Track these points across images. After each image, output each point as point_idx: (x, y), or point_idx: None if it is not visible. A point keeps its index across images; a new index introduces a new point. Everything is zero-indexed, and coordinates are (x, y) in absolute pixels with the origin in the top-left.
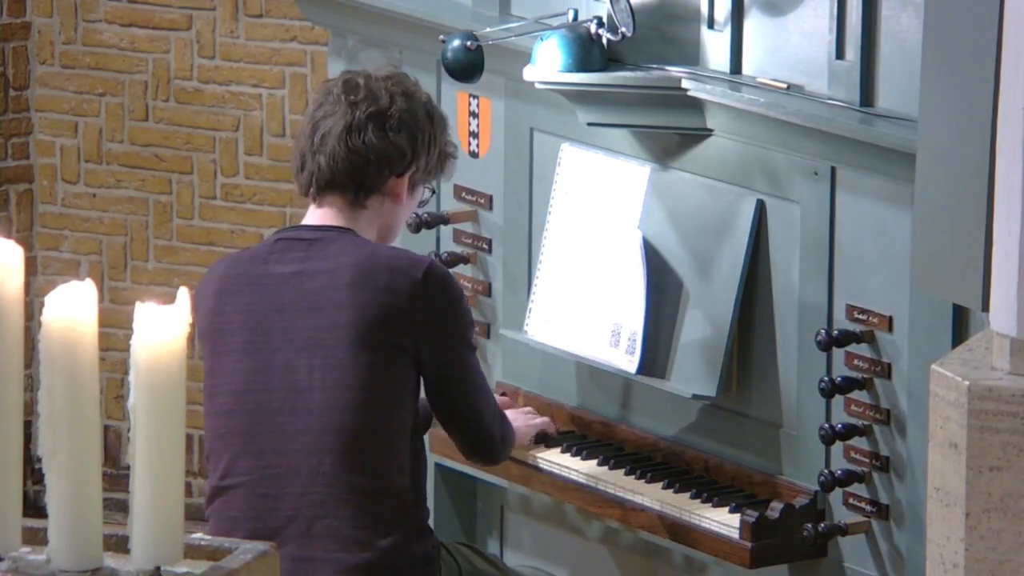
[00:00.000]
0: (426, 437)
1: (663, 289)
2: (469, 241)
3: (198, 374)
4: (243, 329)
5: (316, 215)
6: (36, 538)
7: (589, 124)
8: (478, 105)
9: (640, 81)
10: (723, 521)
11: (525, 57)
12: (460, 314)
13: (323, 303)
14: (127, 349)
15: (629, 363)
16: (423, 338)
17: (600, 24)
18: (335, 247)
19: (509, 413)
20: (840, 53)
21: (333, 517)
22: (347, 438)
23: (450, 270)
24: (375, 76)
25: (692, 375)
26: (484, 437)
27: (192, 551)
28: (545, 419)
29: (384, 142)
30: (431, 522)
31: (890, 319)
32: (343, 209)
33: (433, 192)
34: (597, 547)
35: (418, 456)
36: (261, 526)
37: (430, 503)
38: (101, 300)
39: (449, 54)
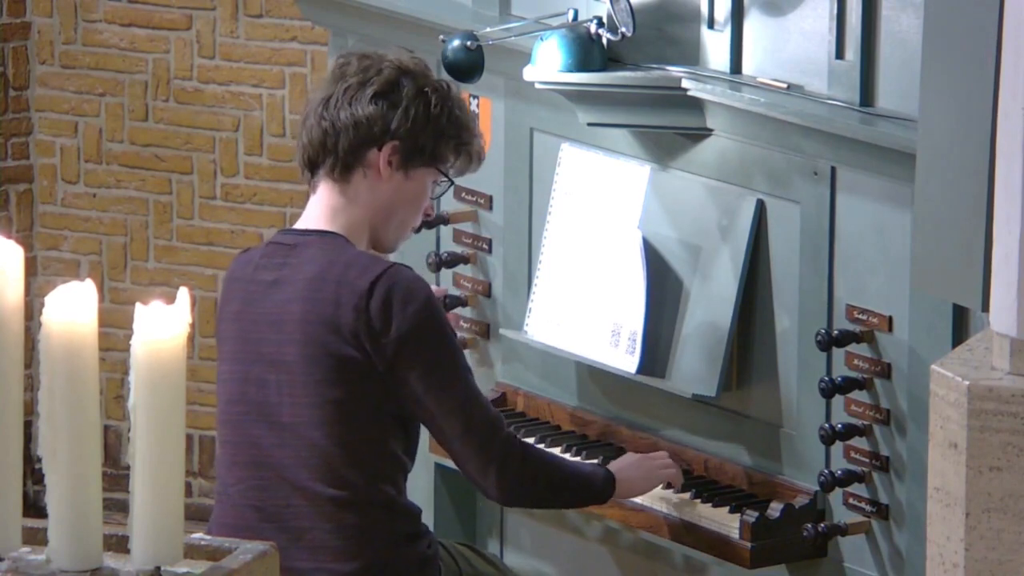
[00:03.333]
0: (425, 438)
1: (663, 289)
2: (469, 241)
3: (198, 374)
4: (232, 338)
5: (309, 209)
6: (36, 538)
7: (589, 124)
8: (478, 105)
9: (640, 81)
10: (723, 521)
11: (525, 57)
12: (419, 327)
13: (284, 317)
14: (127, 349)
15: (629, 363)
16: (376, 353)
17: (600, 24)
18: (307, 254)
19: (629, 458)
20: (840, 53)
21: (318, 529)
22: (319, 454)
23: (451, 269)
24: (376, 55)
25: (692, 375)
26: (485, 452)
27: (192, 551)
28: (673, 470)
29: (355, 110)
30: (431, 522)
31: (890, 319)
32: (332, 192)
33: (452, 183)
34: (597, 547)
35: (402, 461)
36: (252, 536)
37: (430, 503)
38: (101, 300)
39: (449, 54)
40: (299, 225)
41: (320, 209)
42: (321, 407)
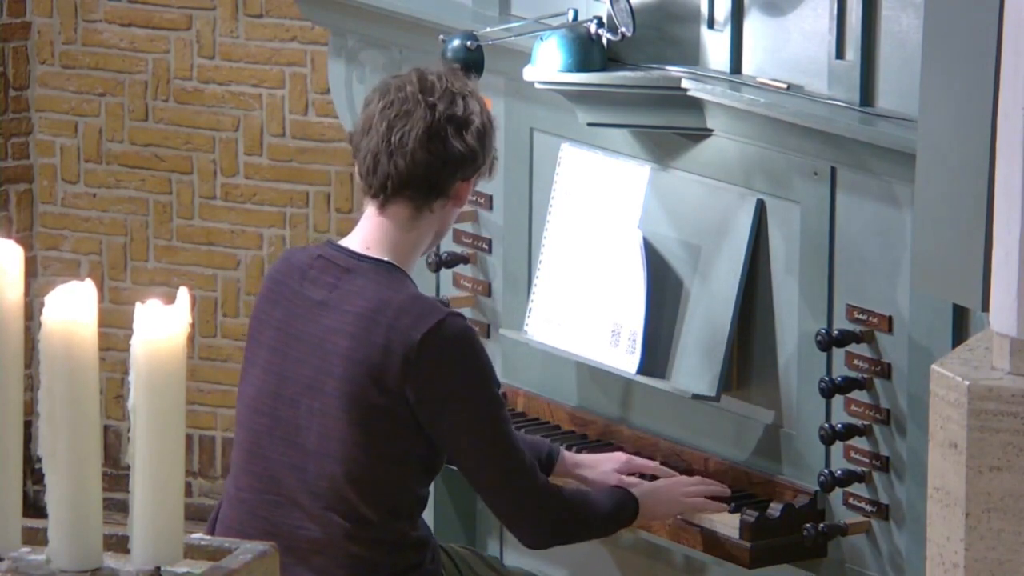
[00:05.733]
0: None
1: (663, 289)
2: (469, 241)
3: (198, 374)
4: (268, 346)
5: (371, 230)
6: (36, 538)
7: (589, 124)
8: None
9: (640, 81)
10: (723, 521)
11: (525, 57)
12: (465, 383)
13: (328, 346)
14: (127, 349)
15: (629, 363)
16: (419, 405)
17: (600, 24)
18: (359, 283)
19: (659, 482)
20: (840, 53)
21: (326, 555)
22: (338, 487)
23: (451, 269)
24: (445, 75)
25: (692, 375)
26: (521, 505)
27: (192, 551)
28: (699, 500)
29: (463, 145)
30: (432, 524)
31: (890, 319)
32: (404, 217)
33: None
34: (597, 547)
35: (422, 496)
36: None
37: (431, 505)
38: (101, 300)
39: (449, 54)
40: (352, 243)
41: (380, 231)
42: (348, 446)
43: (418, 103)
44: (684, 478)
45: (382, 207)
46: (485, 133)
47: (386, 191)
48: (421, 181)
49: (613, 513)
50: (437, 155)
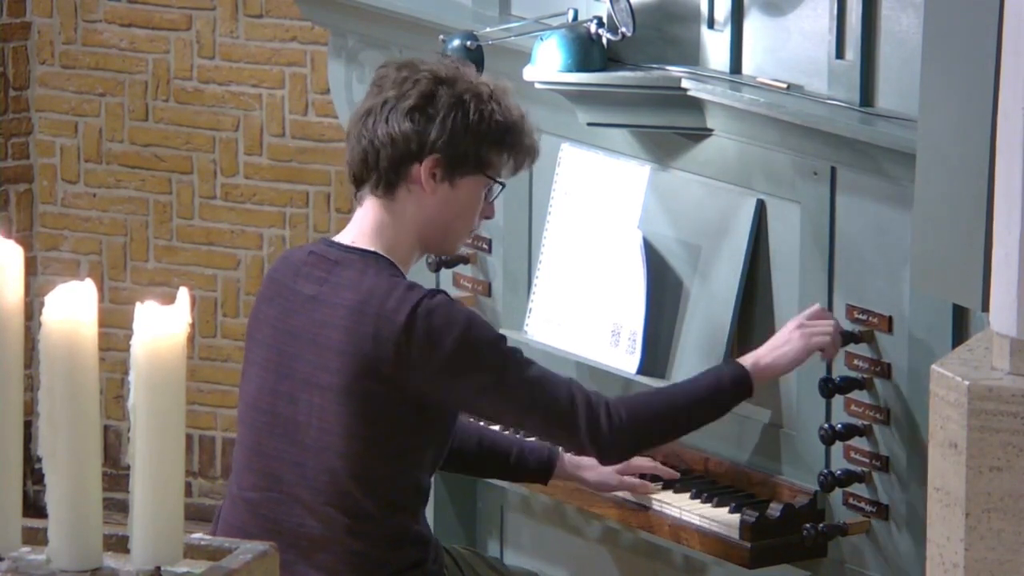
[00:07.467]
0: None
1: (663, 289)
2: (469, 241)
3: (198, 374)
4: (265, 344)
5: (355, 223)
6: (36, 538)
7: (589, 124)
8: None
9: (640, 81)
10: (723, 521)
11: (525, 57)
12: (459, 351)
13: (322, 340)
14: (127, 349)
15: (629, 363)
16: (423, 385)
17: (600, 24)
18: (347, 276)
19: (777, 338)
20: (840, 53)
21: (327, 552)
22: (339, 482)
23: (451, 269)
24: (412, 64)
25: (692, 375)
26: (572, 431)
27: (192, 551)
28: (827, 338)
29: (390, 128)
30: (432, 523)
31: (890, 319)
32: (378, 208)
33: (503, 186)
34: (597, 547)
35: (424, 487)
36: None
37: (430, 505)
38: (101, 300)
39: (449, 54)
40: (343, 238)
41: (365, 224)
42: (347, 438)
43: (369, 93)
44: (809, 322)
45: (358, 200)
46: (430, 112)
47: (354, 183)
48: (361, 170)
49: (702, 396)
50: (369, 140)
